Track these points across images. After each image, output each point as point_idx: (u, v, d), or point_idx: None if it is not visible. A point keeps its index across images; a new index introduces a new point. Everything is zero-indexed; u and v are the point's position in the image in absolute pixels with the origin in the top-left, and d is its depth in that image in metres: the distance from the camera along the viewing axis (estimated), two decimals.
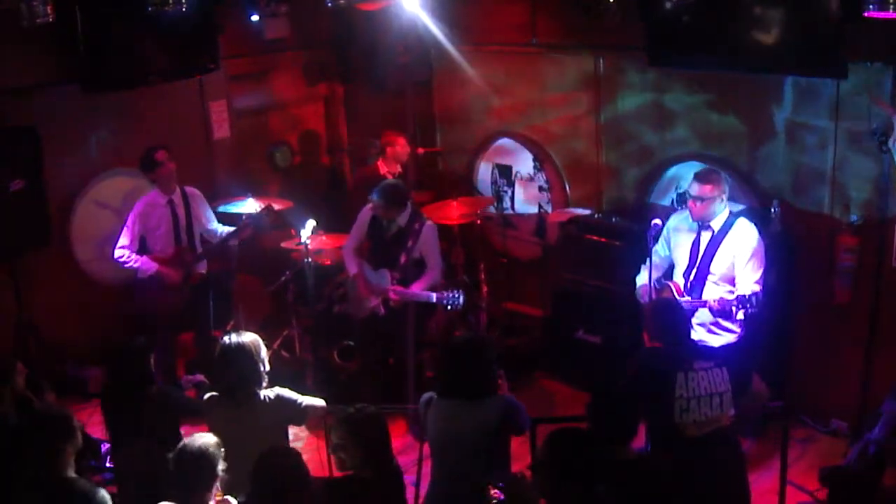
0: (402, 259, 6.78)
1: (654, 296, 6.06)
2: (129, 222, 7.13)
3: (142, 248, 7.16)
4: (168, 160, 7.13)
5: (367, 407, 4.56)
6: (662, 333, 5.06)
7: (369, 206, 6.83)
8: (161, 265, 7.09)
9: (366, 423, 4.46)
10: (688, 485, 4.53)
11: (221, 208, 7.77)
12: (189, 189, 7.37)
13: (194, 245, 7.29)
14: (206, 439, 4.37)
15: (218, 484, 4.42)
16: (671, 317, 5.14)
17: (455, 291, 6.65)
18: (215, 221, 7.49)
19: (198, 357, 7.53)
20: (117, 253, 7.07)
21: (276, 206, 7.51)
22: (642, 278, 6.09)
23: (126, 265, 7.07)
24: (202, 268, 7.37)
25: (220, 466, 4.32)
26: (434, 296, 6.69)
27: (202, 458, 4.28)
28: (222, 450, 4.38)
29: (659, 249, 6.23)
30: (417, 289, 6.74)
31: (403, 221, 6.80)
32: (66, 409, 4.88)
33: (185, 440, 4.40)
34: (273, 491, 4.16)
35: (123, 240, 7.09)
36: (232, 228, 7.34)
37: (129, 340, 5.57)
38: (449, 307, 6.65)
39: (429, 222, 6.90)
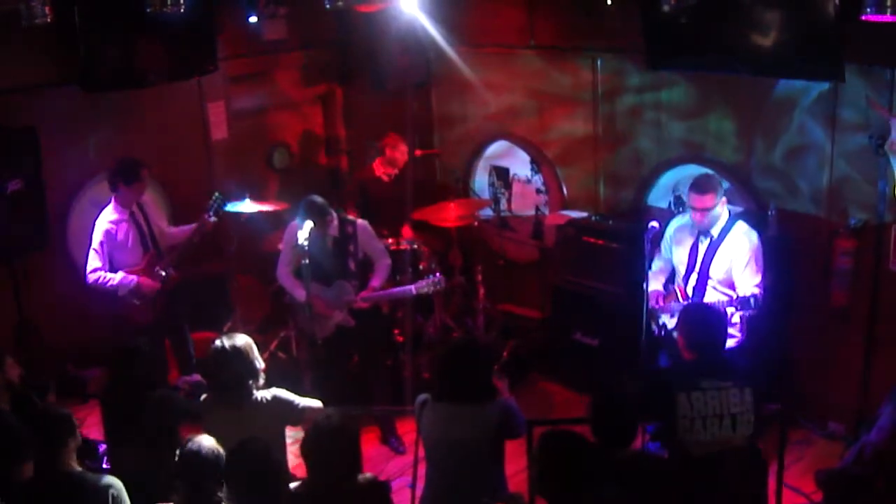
0: (352, 265, 6.70)
1: (661, 302, 6.08)
2: (95, 244, 6.80)
3: (111, 267, 6.88)
4: (147, 178, 6.97)
5: (334, 417, 4.44)
6: (692, 342, 4.96)
7: (295, 224, 6.49)
8: (140, 276, 6.88)
9: (322, 432, 4.34)
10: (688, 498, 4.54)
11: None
12: (142, 197, 7.12)
13: (160, 250, 7.05)
14: (213, 442, 4.41)
15: None
16: (702, 324, 5.01)
17: (431, 276, 6.69)
18: (167, 222, 7.32)
19: (179, 361, 7.45)
20: (91, 277, 6.76)
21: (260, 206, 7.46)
22: (652, 283, 6.09)
23: (105, 286, 6.78)
24: (172, 272, 7.08)
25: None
26: (413, 288, 6.69)
27: (213, 460, 4.34)
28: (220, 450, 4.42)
29: (663, 252, 6.24)
30: (376, 284, 6.71)
31: (335, 231, 6.64)
32: (66, 409, 4.88)
33: (191, 443, 4.41)
34: (243, 478, 4.20)
35: (94, 262, 6.77)
36: (192, 225, 7.10)
37: (133, 342, 5.58)
38: (431, 291, 6.69)
39: (360, 221, 6.80)
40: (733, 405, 4.78)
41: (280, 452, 5.12)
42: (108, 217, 6.86)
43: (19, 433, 4.53)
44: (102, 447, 6.44)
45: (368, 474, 4.46)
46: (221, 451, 4.39)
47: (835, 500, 4.50)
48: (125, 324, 6.95)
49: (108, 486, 4.43)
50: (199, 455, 4.34)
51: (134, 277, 6.86)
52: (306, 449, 4.33)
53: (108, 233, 6.82)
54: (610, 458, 4.39)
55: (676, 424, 4.76)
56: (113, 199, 6.90)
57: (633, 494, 4.28)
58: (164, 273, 6.94)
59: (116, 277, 6.82)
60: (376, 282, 6.73)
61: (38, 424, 4.58)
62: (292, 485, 4.57)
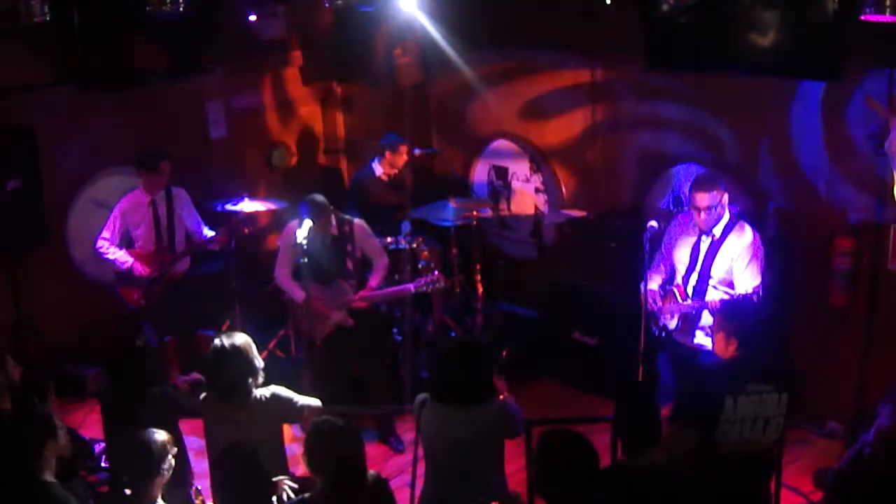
0: (350, 265, 6.71)
1: (658, 302, 6.07)
2: (112, 217, 7.20)
3: (128, 243, 7.22)
4: (168, 173, 7.17)
5: (332, 422, 4.40)
6: (743, 338, 4.92)
7: (293, 224, 6.51)
8: (136, 260, 7.12)
9: (329, 436, 4.30)
10: (701, 496, 4.53)
11: (219, 208, 7.79)
12: (175, 189, 7.32)
13: (174, 244, 7.27)
14: (155, 435, 4.42)
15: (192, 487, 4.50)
16: (749, 319, 5.00)
17: (430, 275, 6.69)
18: (203, 225, 7.45)
19: (183, 357, 7.50)
20: (98, 243, 7.16)
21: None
22: (650, 284, 6.08)
23: (104, 256, 7.15)
24: (181, 266, 7.36)
25: (166, 465, 4.38)
26: (412, 286, 6.71)
27: (144, 452, 4.34)
28: (173, 449, 4.44)
29: (663, 252, 6.24)
30: (374, 283, 6.72)
31: (334, 230, 6.66)
32: (49, 409, 4.86)
33: (135, 434, 4.43)
34: (231, 482, 4.23)
35: (106, 232, 7.16)
36: (212, 234, 7.36)
37: (131, 341, 5.60)
38: (430, 289, 6.72)
39: (356, 220, 6.80)
40: (769, 409, 4.80)
41: (278, 451, 5.13)
42: (130, 197, 7.21)
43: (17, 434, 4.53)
44: (99, 446, 6.45)
45: (372, 472, 4.46)
46: (159, 449, 4.38)
47: (837, 500, 4.49)
48: (120, 302, 7.26)
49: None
50: (133, 451, 4.35)
51: (130, 260, 7.10)
52: (314, 454, 4.28)
53: (124, 210, 7.17)
54: (633, 461, 4.37)
55: (715, 428, 4.73)
56: (141, 183, 7.19)
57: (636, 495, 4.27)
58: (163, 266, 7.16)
59: (115, 253, 7.11)
60: (374, 281, 6.74)
61: (18, 427, 4.55)
62: (287, 484, 4.58)
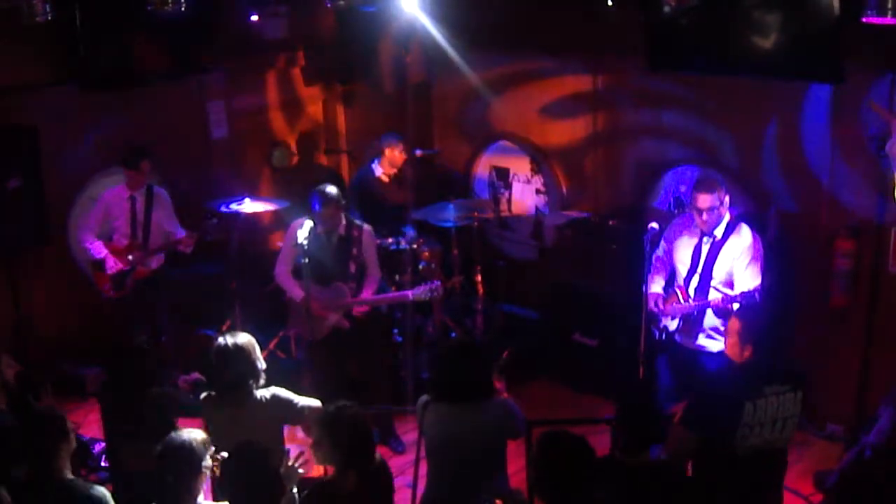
0: (352, 269, 6.70)
1: (660, 304, 6.07)
2: (96, 207, 7.41)
3: (108, 236, 7.38)
4: (148, 172, 7.30)
5: (347, 407, 4.44)
6: (760, 341, 4.89)
7: (297, 223, 6.46)
8: (110, 253, 7.26)
9: (341, 425, 4.35)
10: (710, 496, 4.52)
11: (220, 209, 7.79)
12: (156, 189, 7.43)
13: (148, 242, 7.37)
14: (193, 434, 4.40)
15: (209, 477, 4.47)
16: (760, 324, 4.96)
17: (429, 283, 6.68)
18: (179, 228, 7.47)
19: (162, 352, 7.50)
20: (80, 233, 7.40)
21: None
22: (651, 286, 6.08)
23: (82, 244, 7.34)
24: (153, 264, 7.44)
25: (206, 463, 4.36)
26: (410, 294, 6.71)
27: (186, 452, 4.30)
28: (211, 447, 4.41)
29: (663, 254, 6.23)
30: (367, 296, 6.71)
31: (343, 230, 6.65)
32: (60, 410, 4.83)
33: (171, 434, 4.41)
34: (241, 482, 4.22)
35: (89, 221, 7.38)
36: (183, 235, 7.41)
37: (130, 341, 5.59)
38: (428, 297, 6.70)
39: (366, 226, 6.79)
40: (787, 409, 4.78)
41: (278, 451, 5.11)
42: (112, 191, 7.39)
43: (17, 434, 4.51)
44: (98, 446, 6.45)
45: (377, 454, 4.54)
46: (200, 447, 4.35)
47: (838, 502, 4.49)
48: (96, 289, 7.38)
49: (99, 499, 4.41)
50: (173, 450, 4.33)
51: (104, 251, 7.25)
52: (330, 438, 4.32)
53: (106, 203, 7.36)
54: (631, 462, 4.36)
55: (735, 432, 4.70)
56: (125, 179, 7.34)
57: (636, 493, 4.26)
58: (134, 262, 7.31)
59: (93, 242, 7.27)
60: (367, 294, 6.73)
61: (28, 428, 4.55)
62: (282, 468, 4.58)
